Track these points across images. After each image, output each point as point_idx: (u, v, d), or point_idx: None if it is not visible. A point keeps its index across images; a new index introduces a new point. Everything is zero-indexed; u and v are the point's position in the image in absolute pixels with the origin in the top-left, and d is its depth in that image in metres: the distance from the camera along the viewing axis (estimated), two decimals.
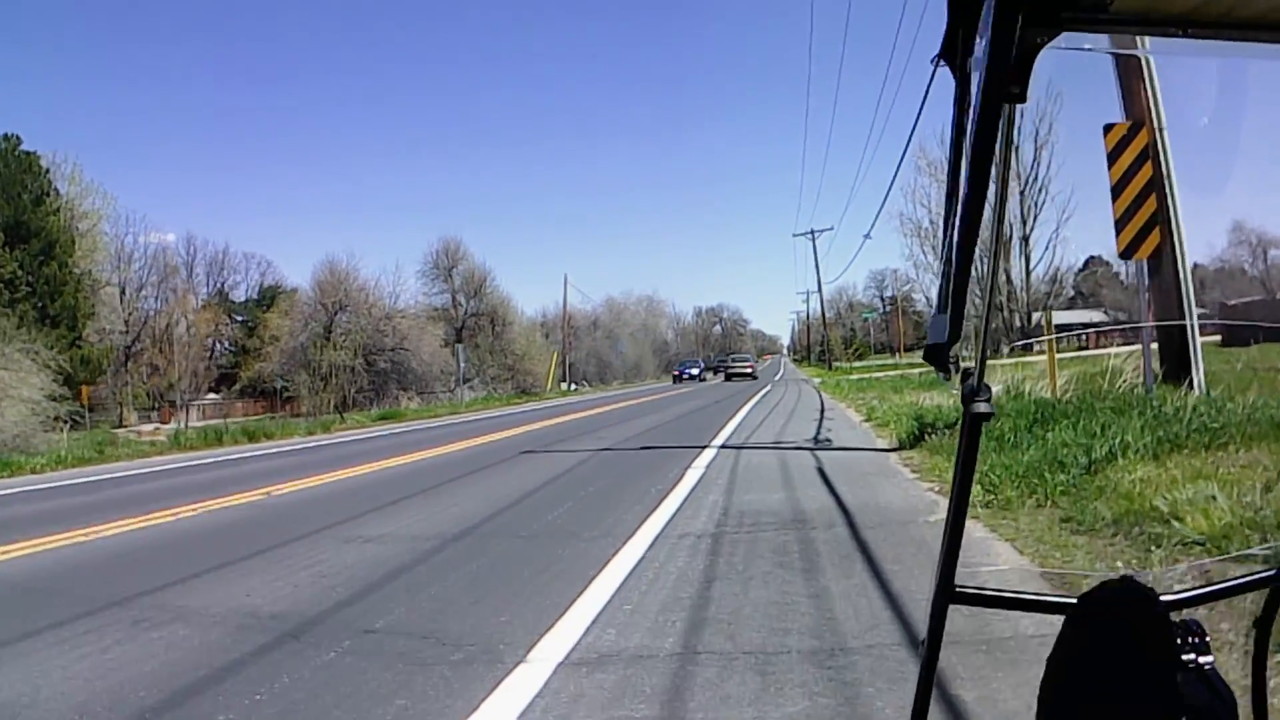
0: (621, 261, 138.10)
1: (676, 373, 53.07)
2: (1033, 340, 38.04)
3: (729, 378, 46.28)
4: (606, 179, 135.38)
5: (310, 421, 20.54)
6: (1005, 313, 47.80)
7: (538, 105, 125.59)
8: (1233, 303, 46.15)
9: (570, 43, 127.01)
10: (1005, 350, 39.53)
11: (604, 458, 9.26)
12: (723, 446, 9.43)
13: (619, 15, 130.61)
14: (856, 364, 64.43)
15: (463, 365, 32.77)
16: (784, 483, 6.49)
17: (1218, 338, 34.29)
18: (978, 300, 0.80)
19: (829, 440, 9.50)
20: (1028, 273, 49.47)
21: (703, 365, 58.15)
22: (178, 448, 16.06)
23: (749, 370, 47.75)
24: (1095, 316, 56.08)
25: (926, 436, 7.91)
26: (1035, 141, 45.20)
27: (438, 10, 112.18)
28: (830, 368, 55.24)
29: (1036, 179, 46.36)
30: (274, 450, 14.31)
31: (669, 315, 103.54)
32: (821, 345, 73.99)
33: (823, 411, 14.53)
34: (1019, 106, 0.58)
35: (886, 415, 10.90)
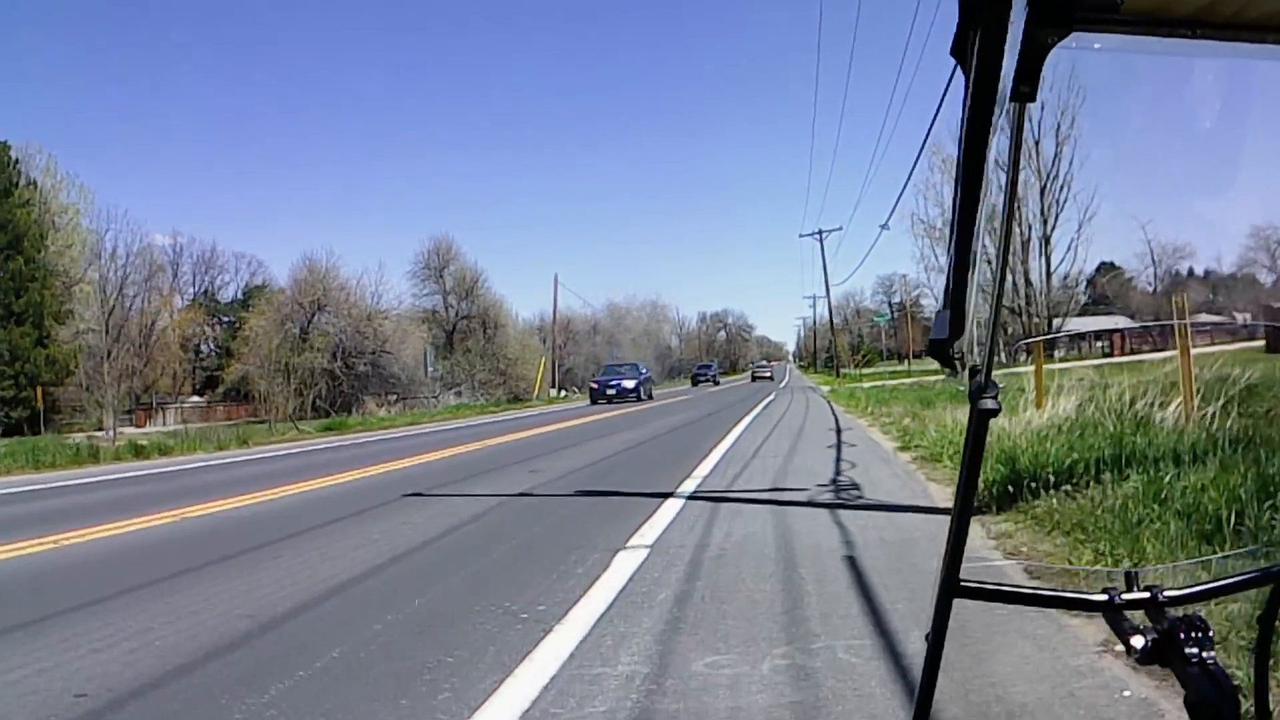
0: (625, 266, 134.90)
1: (595, 386, 32.40)
2: (1047, 338, 34.46)
3: (754, 379, 61.09)
4: (609, 182, 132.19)
5: (223, 436, 17.34)
6: (1024, 317, 44.46)
7: (536, 107, 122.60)
8: (1278, 305, 42.88)
9: (571, 46, 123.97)
10: (1022, 355, 36.19)
11: (509, 512, 6.04)
12: (694, 495, 6.19)
13: (621, 17, 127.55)
14: (865, 371, 61.19)
15: (430, 369, 29.55)
16: (785, 608, 3.23)
17: (1261, 343, 31.21)
18: (982, 301, 0.66)
19: (856, 487, 6.24)
20: (1048, 274, 45.95)
21: (645, 374, 34.54)
22: (31, 466, 12.86)
23: (768, 374, 63.61)
24: (1121, 321, 52.60)
25: (1028, 496, 4.66)
26: (1057, 137, 42.00)
27: (442, 12, 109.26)
28: (838, 375, 51.89)
29: (1058, 176, 43.12)
30: (130, 474, 11.11)
31: (672, 320, 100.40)
32: (829, 351, 70.52)
33: (839, 433, 11.24)
34: (1037, 101, 0.56)
35: (935, 444, 7.65)
